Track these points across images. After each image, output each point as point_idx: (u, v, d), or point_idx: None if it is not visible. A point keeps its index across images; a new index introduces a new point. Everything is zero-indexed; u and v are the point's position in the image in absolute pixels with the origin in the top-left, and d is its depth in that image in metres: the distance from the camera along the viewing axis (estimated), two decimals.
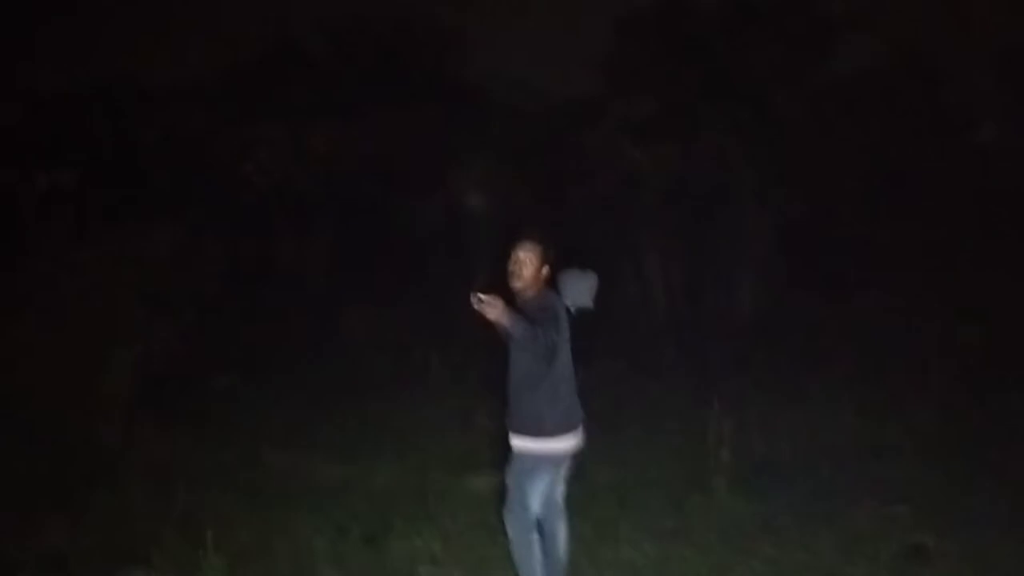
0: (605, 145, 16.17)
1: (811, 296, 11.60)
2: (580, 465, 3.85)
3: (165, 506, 4.75)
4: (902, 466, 5.58)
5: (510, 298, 3.55)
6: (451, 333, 9.72)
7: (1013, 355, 8.19)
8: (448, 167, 15.78)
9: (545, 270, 3.76)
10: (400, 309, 10.93)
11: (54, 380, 5.80)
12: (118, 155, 12.55)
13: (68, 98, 13.25)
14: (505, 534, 3.75)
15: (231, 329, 9.13)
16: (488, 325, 3.45)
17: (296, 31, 16.38)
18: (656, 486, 5.30)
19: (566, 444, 3.62)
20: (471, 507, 5.01)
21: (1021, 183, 15.26)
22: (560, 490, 3.77)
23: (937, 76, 17.29)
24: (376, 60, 16.39)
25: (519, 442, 3.64)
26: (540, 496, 3.64)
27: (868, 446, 5.98)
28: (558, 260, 3.89)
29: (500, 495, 5.16)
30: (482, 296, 3.41)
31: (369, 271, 12.10)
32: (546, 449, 3.59)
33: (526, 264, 3.71)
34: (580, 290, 7.82)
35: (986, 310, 10.20)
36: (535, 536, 3.68)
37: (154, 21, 18.41)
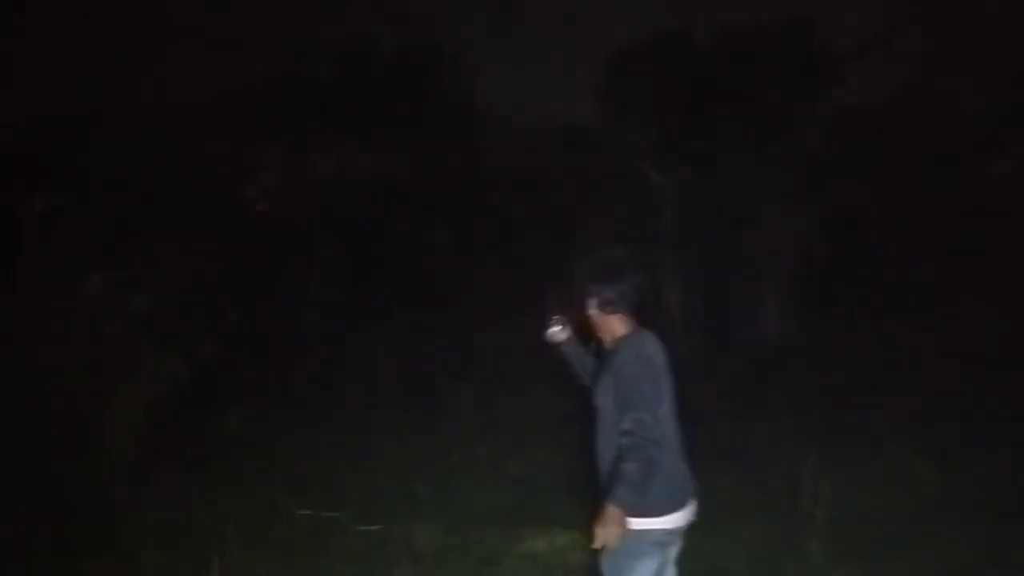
0: (616, 169, 15.83)
1: (839, 324, 11.17)
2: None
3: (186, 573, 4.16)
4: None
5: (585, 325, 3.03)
6: (475, 364, 9.22)
7: None
8: (454, 190, 15.43)
9: (617, 319, 2.94)
10: (415, 336, 10.39)
11: (52, 424, 5.18)
12: (119, 178, 12.03)
13: (69, 120, 12.79)
14: None
15: (240, 361, 8.54)
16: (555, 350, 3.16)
17: (297, 54, 16.03)
18: (741, 549, 4.66)
19: (674, 521, 2.89)
20: (530, 571, 4.43)
21: None
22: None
23: (948, 105, 17.15)
24: (379, 83, 16.08)
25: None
26: None
27: (971, 503, 5.30)
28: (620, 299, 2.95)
29: (561, 555, 4.63)
30: (555, 324, 3.19)
31: (381, 297, 11.56)
32: (650, 527, 2.85)
33: (593, 322, 3.00)
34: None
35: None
36: None
37: (156, 44, 18.00)
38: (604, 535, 2.66)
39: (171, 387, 5.95)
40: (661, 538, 2.88)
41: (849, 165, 14.65)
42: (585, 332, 3.15)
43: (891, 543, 4.60)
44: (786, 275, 12.23)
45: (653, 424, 2.68)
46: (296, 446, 6.74)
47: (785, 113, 14.26)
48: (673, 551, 3.00)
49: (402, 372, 8.97)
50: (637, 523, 2.79)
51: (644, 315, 2.99)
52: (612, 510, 2.64)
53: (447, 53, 17.47)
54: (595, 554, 4.51)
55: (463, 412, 7.40)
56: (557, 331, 3.22)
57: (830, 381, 8.41)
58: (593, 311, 2.94)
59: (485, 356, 9.55)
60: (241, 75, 15.42)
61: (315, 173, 14.79)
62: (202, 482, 5.61)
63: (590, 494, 3.01)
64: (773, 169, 13.03)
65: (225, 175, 14.34)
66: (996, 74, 19.84)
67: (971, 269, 12.63)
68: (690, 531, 2.89)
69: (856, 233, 13.49)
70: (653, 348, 2.94)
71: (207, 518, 4.94)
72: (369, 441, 6.80)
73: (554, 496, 5.56)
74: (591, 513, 2.72)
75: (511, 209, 15.55)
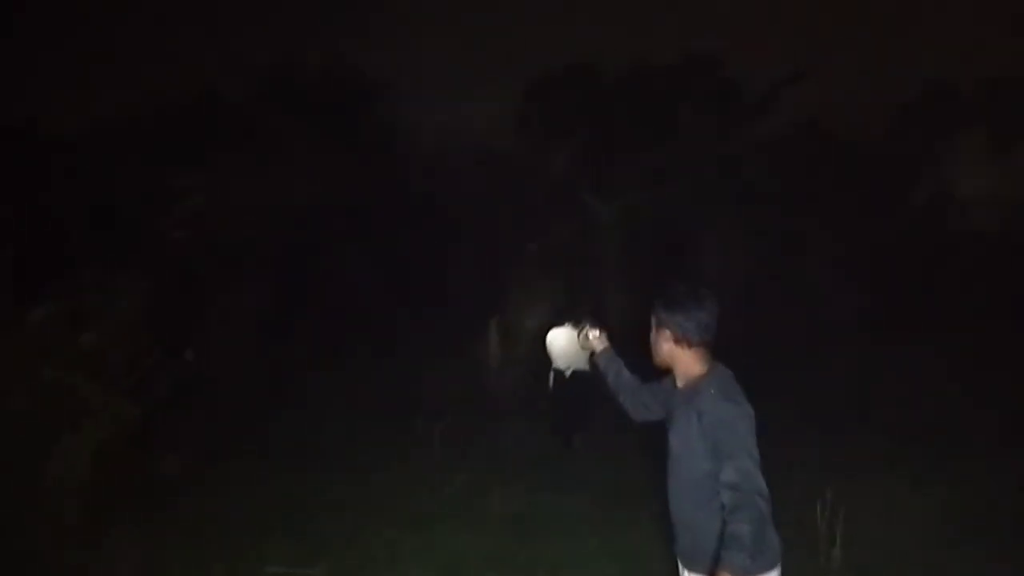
0: (547, 198, 15.81)
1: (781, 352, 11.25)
2: None
3: None
4: None
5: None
6: (429, 396, 8.84)
7: None
8: (379, 218, 15.09)
9: (693, 353, 2.70)
10: (359, 368, 9.92)
11: None
12: (21, 209, 11.16)
13: None
14: None
15: (175, 403, 7.92)
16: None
17: (216, 78, 15.50)
18: None
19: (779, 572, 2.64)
20: None
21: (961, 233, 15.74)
22: None
23: (861, 133, 17.90)
24: (300, 108, 15.70)
25: None
26: None
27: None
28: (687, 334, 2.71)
29: None
30: (592, 329, 3.13)
31: (316, 328, 11.03)
32: None
33: (665, 356, 2.77)
34: (574, 350, 7.09)
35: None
36: None
37: (63, 65, 16.98)
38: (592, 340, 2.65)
39: (113, 431, 5.43)
40: None
41: (767, 194, 15.03)
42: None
43: None
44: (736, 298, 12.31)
45: (757, 473, 2.45)
46: (245, 492, 6.20)
47: (701, 143, 14.54)
48: None
49: (354, 408, 8.49)
50: None
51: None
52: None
53: (368, 78, 17.26)
54: None
55: (428, 448, 7.00)
56: (595, 338, 3.12)
57: (772, 410, 8.36)
58: (666, 344, 2.72)
59: (439, 387, 9.18)
60: (156, 97, 14.71)
61: (236, 198, 14.18)
62: (155, 535, 5.06)
63: (667, 542, 2.74)
64: (697, 196, 13.16)
65: (137, 203, 13.58)
66: (905, 106, 20.89)
67: (886, 299, 13.05)
68: None
69: (781, 260, 13.75)
70: (736, 387, 2.68)
71: None
72: (331, 484, 6.34)
73: (536, 537, 5.26)
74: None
75: (438, 235, 15.30)
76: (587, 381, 6.98)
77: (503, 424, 7.42)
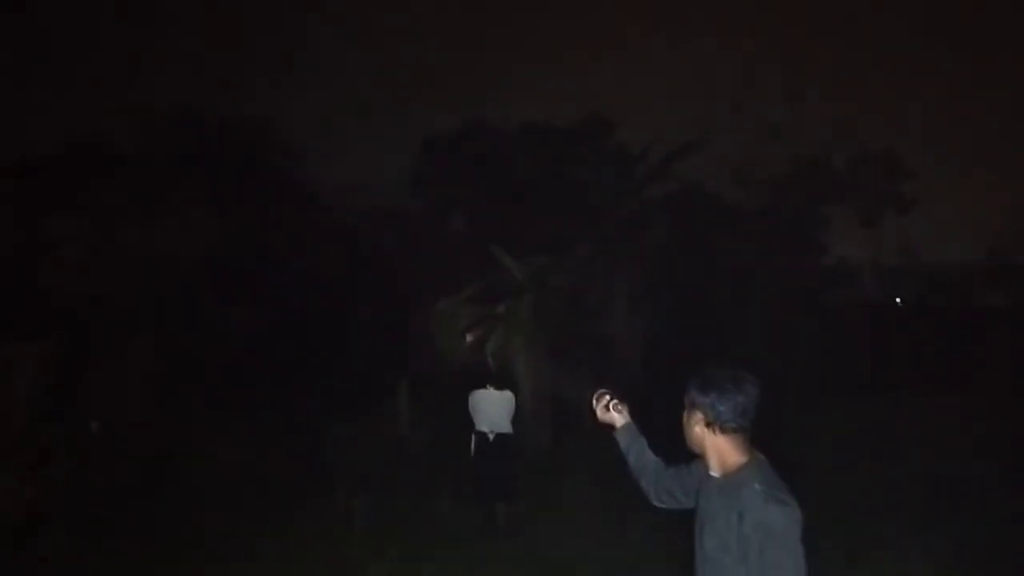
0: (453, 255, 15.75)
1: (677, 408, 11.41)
2: None
3: None
4: None
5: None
6: (335, 466, 8.39)
7: None
8: (276, 273, 14.61)
9: (729, 440, 2.42)
10: (255, 433, 9.38)
11: None
12: None
13: None
14: None
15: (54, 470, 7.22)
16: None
17: (105, 125, 14.85)
18: None
19: None
20: None
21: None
22: None
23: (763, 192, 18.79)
24: (195, 158, 15.17)
25: None
26: None
27: None
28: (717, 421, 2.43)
29: None
30: (608, 402, 2.78)
31: (209, 394, 10.41)
32: None
33: (698, 443, 2.49)
34: (497, 412, 6.86)
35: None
36: None
37: None
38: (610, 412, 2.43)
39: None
40: None
41: (668, 254, 15.47)
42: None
43: None
44: (628, 360, 12.40)
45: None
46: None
47: (610, 205, 14.81)
48: None
49: (251, 479, 7.94)
50: None
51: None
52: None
53: (267, 133, 16.96)
54: None
55: (344, 524, 6.59)
56: (614, 413, 2.78)
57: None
58: (698, 429, 2.44)
59: (341, 456, 8.77)
60: (41, 143, 13.91)
61: (121, 250, 13.41)
62: None
63: None
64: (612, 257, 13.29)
65: (13, 251, 12.67)
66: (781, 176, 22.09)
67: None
68: None
69: (690, 318, 14.11)
70: (780, 480, 2.38)
71: None
72: (227, 571, 5.81)
73: None
74: None
75: (338, 289, 14.93)
76: (509, 446, 6.80)
77: (422, 498, 7.07)
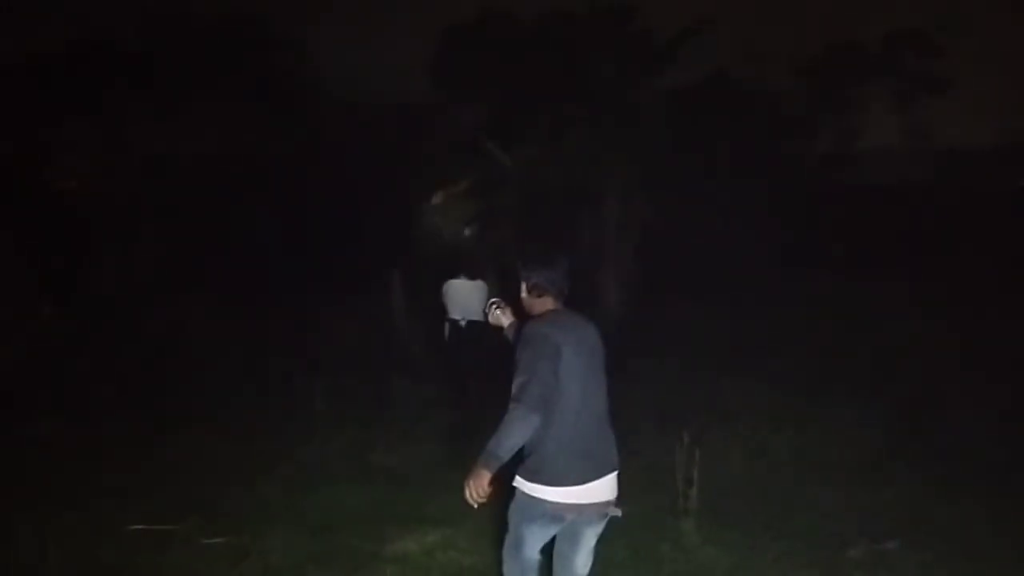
0: (452, 149, 15.67)
1: (677, 300, 11.48)
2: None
3: None
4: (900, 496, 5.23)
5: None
6: (321, 353, 8.76)
7: None
8: (282, 169, 14.72)
9: (542, 302, 3.17)
10: (250, 324, 9.73)
11: None
12: None
13: None
14: None
15: (51, 360, 7.67)
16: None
17: (109, 24, 14.78)
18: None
19: (569, 496, 2.95)
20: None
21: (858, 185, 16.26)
22: (581, 560, 3.12)
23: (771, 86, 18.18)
24: (200, 57, 15.06)
25: (517, 478, 3.04)
26: (538, 546, 3.08)
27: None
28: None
29: (432, 555, 4.38)
30: (496, 308, 3.46)
31: (208, 282, 10.74)
32: (539, 496, 2.97)
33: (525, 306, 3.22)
34: (469, 301, 7.18)
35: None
36: None
37: None
38: (466, 487, 2.79)
39: None
40: (550, 509, 2.95)
41: (677, 147, 15.16)
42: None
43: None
44: (625, 254, 12.42)
45: (535, 389, 2.80)
46: (123, 453, 6.03)
47: (611, 95, 14.51)
48: (583, 529, 3.05)
49: (238, 364, 8.33)
50: (528, 487, 2.98)
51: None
52: (476, 463, 2.79)
53: (271, 24, 16.72)
54: (468, 551, 4.33)
55: (312, 405, 6.95)
56: (499, 315, 3.43)
57: (664, 355, 8.60)
58: (524, 295, 3.17)
59: (331, 342, 9.10)
60: (44, 42, 13.94)
61: (129, 151, 13.64)
62: (15, 497, 4.90)
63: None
64: (608, 149, 13.16)
65: (23, 150, 12.94)
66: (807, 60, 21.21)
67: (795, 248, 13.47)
68: None
69: (689, 214, 13.96)
70: (569, 322, 3.06)
71: (25, 539, 4.30)
72: (204, 443, 6.21)
73: (419, 491, 5.28)
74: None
75: (343, 187, 15.04)
76: (482, 329, 7.06)
77: (386, 379, 7.40)
